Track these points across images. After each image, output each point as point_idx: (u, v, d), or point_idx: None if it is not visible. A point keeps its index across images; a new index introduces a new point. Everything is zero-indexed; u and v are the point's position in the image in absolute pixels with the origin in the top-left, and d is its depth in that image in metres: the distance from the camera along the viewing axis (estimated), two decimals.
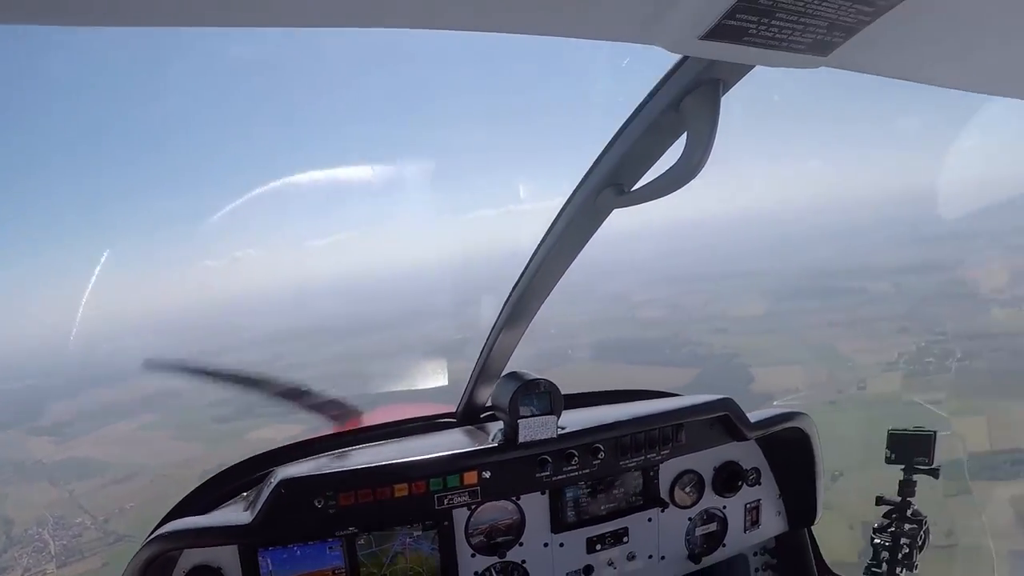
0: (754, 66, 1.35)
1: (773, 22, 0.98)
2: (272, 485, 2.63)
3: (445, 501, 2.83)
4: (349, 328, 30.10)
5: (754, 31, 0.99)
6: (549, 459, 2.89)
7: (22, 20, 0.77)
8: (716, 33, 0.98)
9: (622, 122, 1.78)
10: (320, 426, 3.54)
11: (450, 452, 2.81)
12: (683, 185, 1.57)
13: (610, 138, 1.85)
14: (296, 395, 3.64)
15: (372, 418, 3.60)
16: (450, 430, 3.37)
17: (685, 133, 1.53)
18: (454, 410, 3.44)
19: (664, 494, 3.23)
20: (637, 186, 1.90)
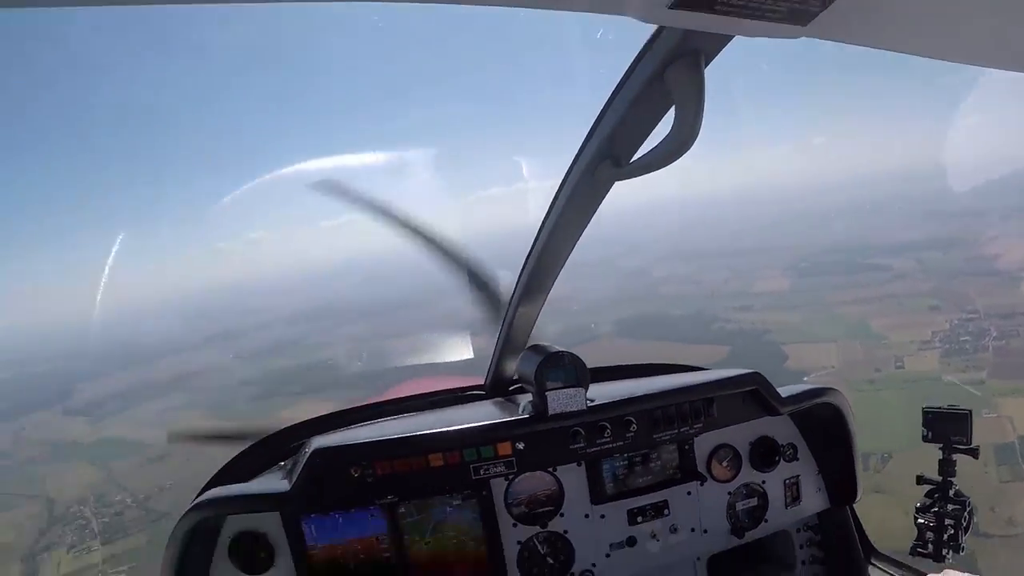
0: (732, 36, 1.35)
1: None
2: (307, 454, 2.72)
3: (481, 471, 2.90)
4: (370, 307, 29.94)
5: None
6: (582, 431, 2.94)
7: (27, 3, 0.83)
8: (686, 2, 0.98)
9: (608, 95, 1.82)
10: (353, 400, 3.55)
11: (482, 423, 2.89)
12: (679, 156, 1.61)
13: (598, 112, 1.89)
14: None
15: (403, 391, 3.63)
16: (481, 402, 3.45)
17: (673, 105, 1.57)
18: (483, 383, 3.52)
19: (701, 468, 3.27)
20: (635, 158, 1.93)
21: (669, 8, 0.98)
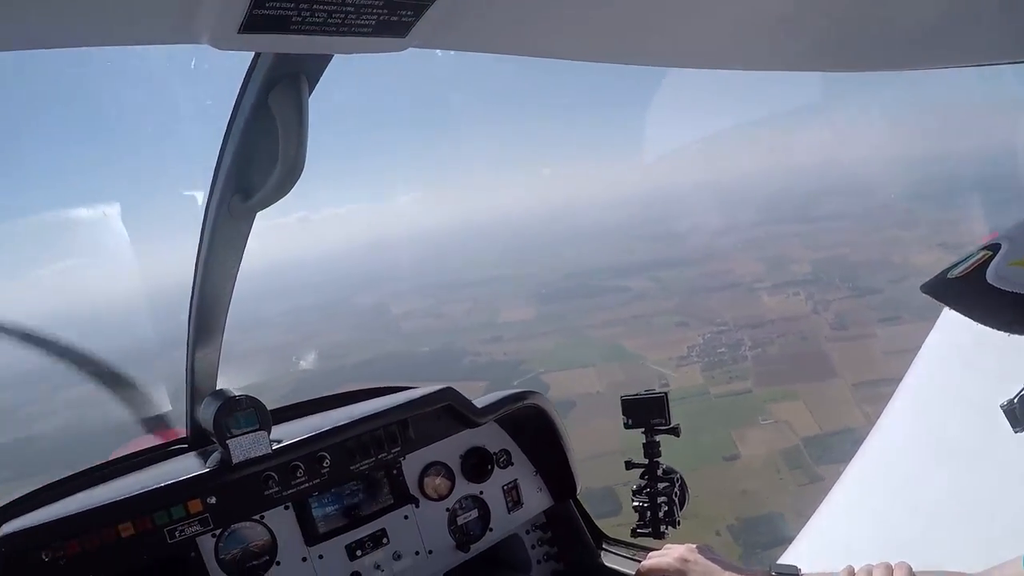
0: (331, 55, 1.40)
1: (316, 7, 0.99)
2: None
3: (176, 533, 2.71)
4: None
5: (297, 19, 1.00)
6: (274, 475, 2.85)
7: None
8: (254, 25, 0.98)
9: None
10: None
11: (165, 483, 2.67)
12: (292, 183, 1.67)
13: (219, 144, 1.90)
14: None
15: (117, 453, 3.36)
16: (181, 456, 3.18)
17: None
18: (185, 435, 3.33)
19: (413, 489, 3.27)
20: (263, 189, 1.88)
21: (240, 33, 1.00)
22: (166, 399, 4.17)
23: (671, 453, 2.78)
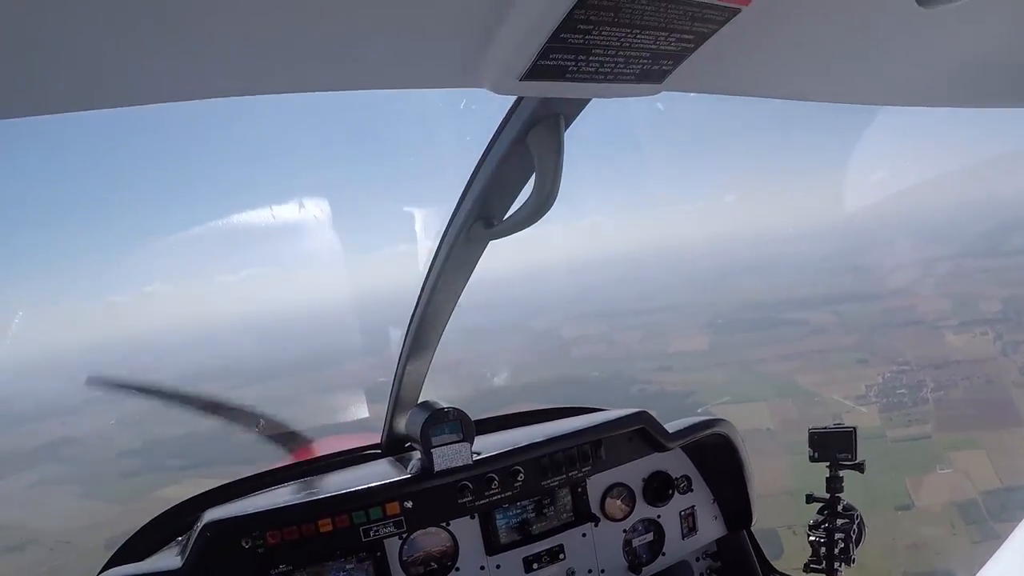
0: (590, 99, 1.49)
1: (591, 58, 1.05)
2: (198, 528, 2.70)
3: (371, 533, 2.93)
4: (269, 368, 29.43)
5: (574, 68, 1.07)
6: (469, 484, 3.04)
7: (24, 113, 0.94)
8: (535, 74, 1.06)
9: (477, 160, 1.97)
10: (248, 468, 3.53)
11: (369, 485, 2.90)
12: (541, 216, 1.73)
13: (469, 176, 2.05)
14: (249, 419, 3.78)
15: (302, 454, 3.76)
16: (376, 461, 3.41)
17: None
18: (379, 441, 3.52)
19: (595, 509, 3.37)
20: (505, 218, 2.07)
21: (520, 80, 1.08)
22: (364, 406, 4.44)
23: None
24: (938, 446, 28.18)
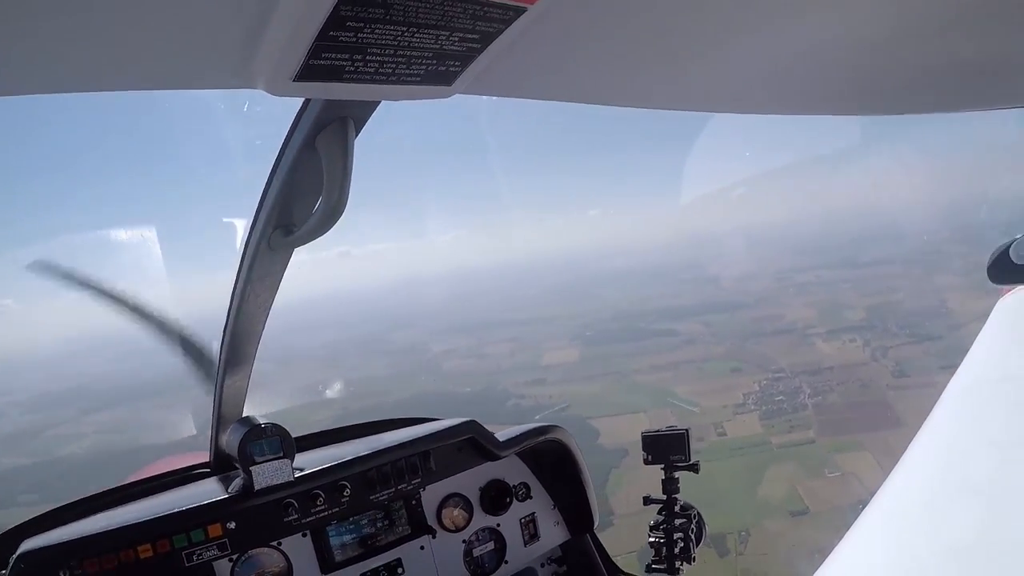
0: (379, 101, 1.47)
1: (368, 58, 1.04)
2: (12, 561, 2.58)
3: (195, 557, 2.85)
4: (126, 389, 28.93)
5: (351, 68, 1.05)
6: (294, 502, 2.98)
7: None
8: (309, 74, 1.04)
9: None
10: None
11: (185, 507, 2.80)
12: (333, 222, 1.70)
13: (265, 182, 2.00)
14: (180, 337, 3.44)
15: (135, 475, 3.55)
16: (204, 480, 3.28)
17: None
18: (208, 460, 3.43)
19: (431, 520, 3.38)
20: (305, 226, 2.00)
21: (294, 81, 1.05)
22: (192, 424, 4.26)
23: (730, 507, 3.04)
24: (823, 450, 28.97)
